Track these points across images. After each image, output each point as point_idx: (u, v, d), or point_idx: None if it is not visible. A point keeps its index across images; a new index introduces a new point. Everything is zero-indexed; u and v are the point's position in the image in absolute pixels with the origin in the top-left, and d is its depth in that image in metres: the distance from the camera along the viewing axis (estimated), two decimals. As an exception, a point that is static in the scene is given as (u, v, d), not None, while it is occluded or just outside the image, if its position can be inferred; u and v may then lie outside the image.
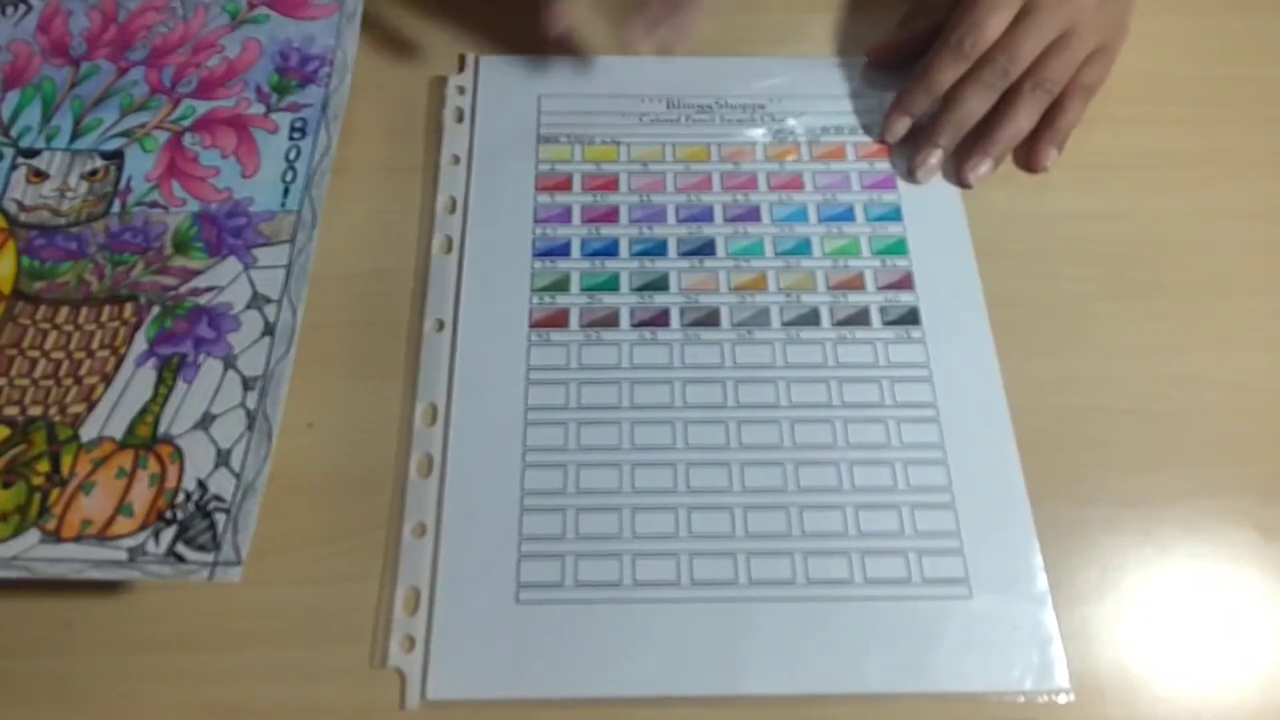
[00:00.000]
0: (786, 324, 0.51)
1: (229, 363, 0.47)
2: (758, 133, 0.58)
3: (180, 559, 0.42)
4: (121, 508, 0.43)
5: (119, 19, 0.58)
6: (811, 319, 0.51)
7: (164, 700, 0.42)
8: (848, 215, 0.55)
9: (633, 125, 0.58)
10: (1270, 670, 0.43)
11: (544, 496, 0.46)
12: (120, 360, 0.47)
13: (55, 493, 0.43)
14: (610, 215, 0.54)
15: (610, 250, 0.53)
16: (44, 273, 0.49)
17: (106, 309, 0.48)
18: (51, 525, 0.42)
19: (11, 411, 0.45)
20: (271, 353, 0.47)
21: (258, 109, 0.55)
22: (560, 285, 0.52)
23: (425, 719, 0.41)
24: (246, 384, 0.46)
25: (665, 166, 0.56)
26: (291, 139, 0.54)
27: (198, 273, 0.49)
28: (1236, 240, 0.55)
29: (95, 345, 0.47)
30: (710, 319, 0.51)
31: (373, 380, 0.49)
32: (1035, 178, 0.57)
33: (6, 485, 0.43)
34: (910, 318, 0.51)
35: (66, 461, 0.44)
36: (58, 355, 0.47)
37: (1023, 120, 0.56)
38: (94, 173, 0.52)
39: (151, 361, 0.47)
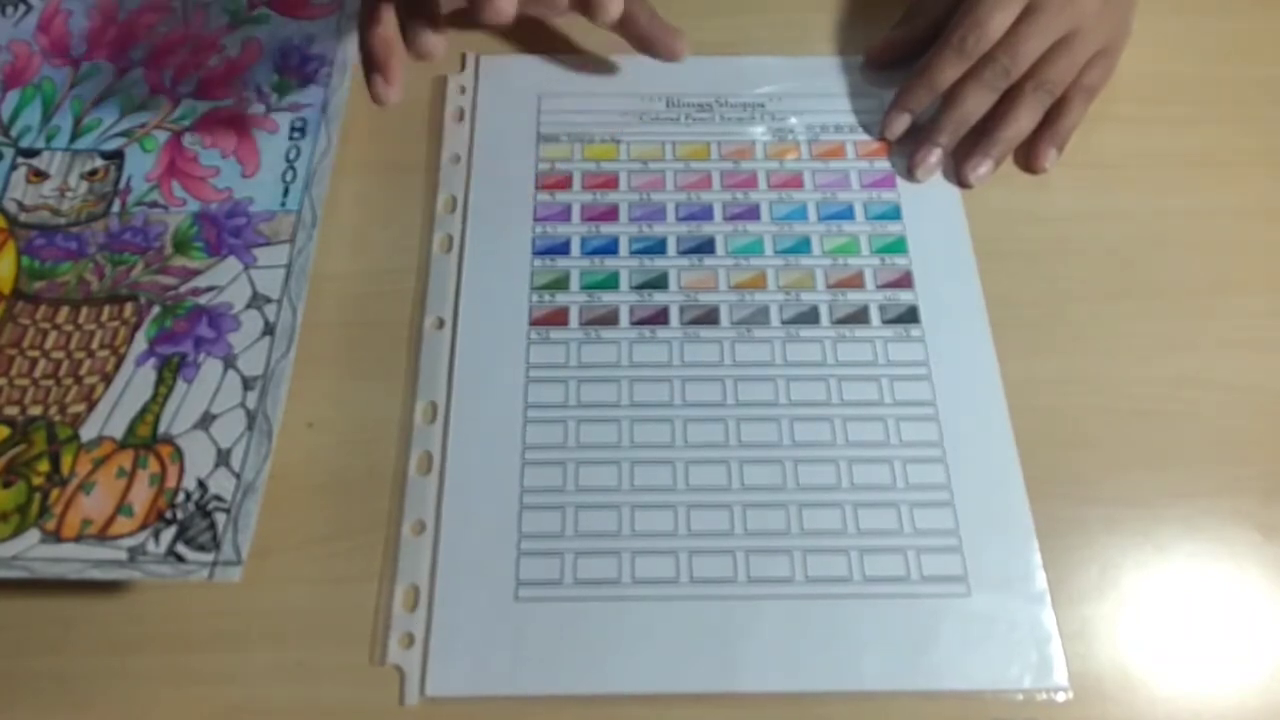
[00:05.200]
0: (786, 322, 0.51)
1: (229, 362, 0.47)
2: (757, 131, 0.58)
3: (180, 559, 0.42)
4: (121, 507, 0.43)
5: (119, 19, 0.58)
6: (811, 317, 0.51)
7: (164, 700, 0.42)
8: (847, 214, 0.55)
9: (632, 124, 0.58)
10: (1270, 670, 0.43)
11: (543, 494, 0.46)
12: (120, 360, 0.47)
13: (55, 492, 0.43)
14: (610, 213, 0.55)
15: (610, 248, 0.53)
16: (44, 273, 0.49)
17: (106, 309, 0.48)
18: (51, 525, 0.42)
19: (11, 411, 0.45)
20: (271, 352, 0.47)
21: (258, 109, 0.55)
22: (560, 283, 0.52)
23: (424, 716, 0.41)
24: (246, 384, 0.46)
25: (665, 165, 0.56)
26: (291, 139, 0.54)
27: (198, 272, 0.49)
28: (1236, 240, 0.55)
29: (95, 345, 0.47)
30: (709, 317, 0.51)
31: (373, 380, 0.49)
32: (1035, 177, 0.57)
33: (6, 485, 0.43)
34: (909, 316, 0.51)
35: (66, 461, 0.44)
36: (58, 355, 0.47)
37: (1023, 121, 0.56)
38: (94, 173, 0.52)
39: (151, 361, 0.47)
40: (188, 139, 0.54)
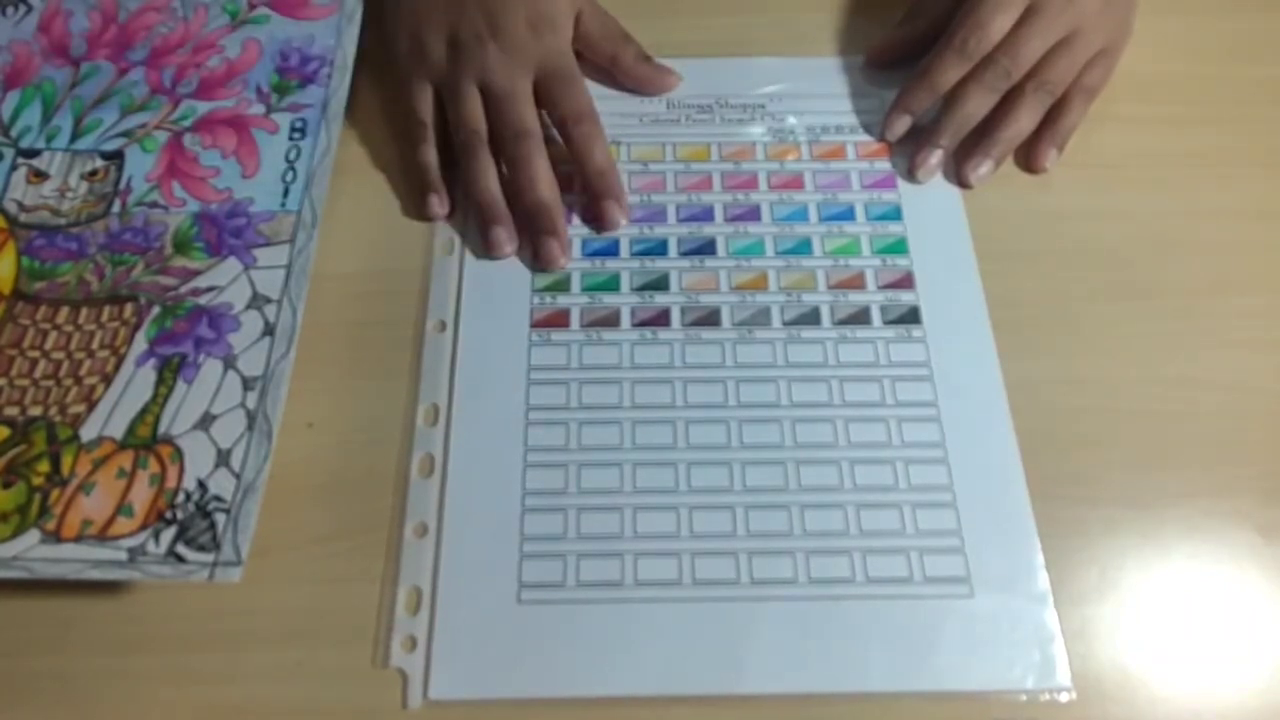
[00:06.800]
0: (787, 323, 0.51)
1: (229, 363, 0.46)
2: (758, 132, 0.58)
3: (180, 559, 0.42)
4: (121, 508, 0.43)
5: (119, 19, 0.58)
6: (812, 318, 0.51)
7: (164, 700, 0.42)
8: (848, 214, 0.55)
9: (633, 125, 0.58)
10: (1270, 670, 0.43)
11: (545, 496, 0.46)
12: (120, 360, 0.47)
13: (55, 493, 0.43)
14: (611, 214, 0.55)
15: (611, 250, 0.53)
16: (44, 273, 0.49)
17: (106, 309, 0.48)
18: (51, 525, 0.42)
19: (11, 411, 0.45)
20: (271, 353, 0.47)
21: (258, 109, 0.55)
22: (561, 285, 0.52)
23: (427, 719, 0.41)
24: (246, 384, 0.46)
25: (665, 166, 0.56)
26: (291, 139, 0.54)
27: (198, 273, 0.49)
28: (1236, 240, 0.55)
29: (95, 345, 0.47)
30: (711, 318, 0.51)
31: (373, 380, 0.49)
32: (1035, 177, 0.57)
33: (6, 485, 0.43)
34: (911, 317, 0.51)
35: (66, 461, 0.44)
36: (58, 355, 0.47)
37: (1024, 121, 0.56)
38: (94, 173, 0.52)
39: (151, 362, 0.47)
40: (188, 139, 0.53)
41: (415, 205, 0.55)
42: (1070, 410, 0.49)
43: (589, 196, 0.55)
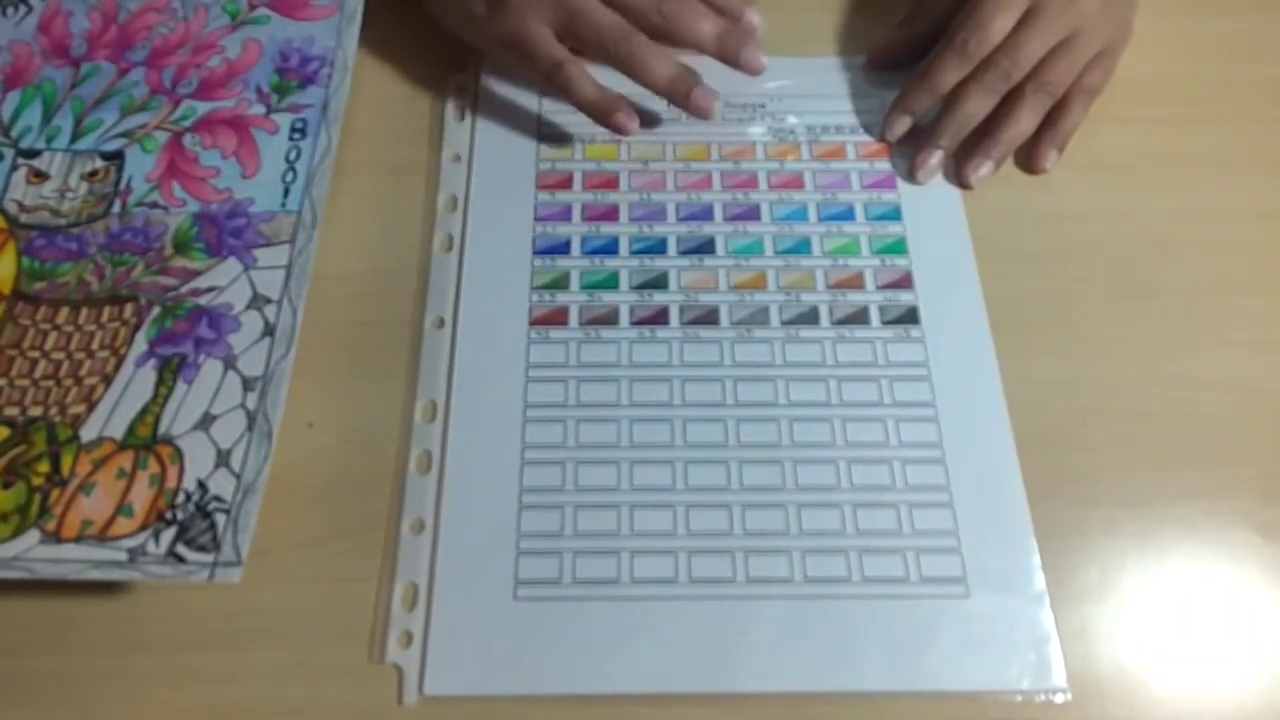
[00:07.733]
0: (786, 323, 0.51)
1: (229, 363, 0.47)
2: (758, 131, 0.58)
3: (180, 559, 0.42)
4: (122, 508, 0.43)
5: (119, 19, 0.58)
6: (811, 318, 0.51)
7: (164, 700, 0.42)
8: (848, 214, 0.55)
9: (633, 123, 0.58)
10: (1270, 670, 0.43)
11: (543, 493, 0.46)
12: (120, 361, 0.47)
13: (55, 493, 0.43)
14: (610, 213, 0.55)
15: (610, 248, 0.53)
16: (44, 273, 0.49)
17: (106, 309, 0.48)
18: (51, 526, 0.42)
19: (12, 412, 0.45)
20: (271, 353, 0.47)
21: (258, 109, 0.55)
22: (560, 283, 0.52)
23: (423, 715, 0.41)
24: (246, 384, 0.46)
25: (665, 165, 0.56)
26: (292, 139, 0.54)
27: (198, 273, 0.49)
28: (1236, 240, 0.55)
29: (95, 346, 0.47)
30: (709, 317, 0.51)
31: (373, 380, 0.49)
32: (1035, 178, 0.57)
33: (6, 486, 0.43)
34: (909, 317, 0.51)
35: (66, 462, 0.44)
36: (58, 356, 0.47)
37: (1024, 122, 0.56)
38: (94, 173, 0.52)
39: (152, 362, 0.47)
40: (188, 139, 0.54)
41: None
42: (1069, 410, 0.49)
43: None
